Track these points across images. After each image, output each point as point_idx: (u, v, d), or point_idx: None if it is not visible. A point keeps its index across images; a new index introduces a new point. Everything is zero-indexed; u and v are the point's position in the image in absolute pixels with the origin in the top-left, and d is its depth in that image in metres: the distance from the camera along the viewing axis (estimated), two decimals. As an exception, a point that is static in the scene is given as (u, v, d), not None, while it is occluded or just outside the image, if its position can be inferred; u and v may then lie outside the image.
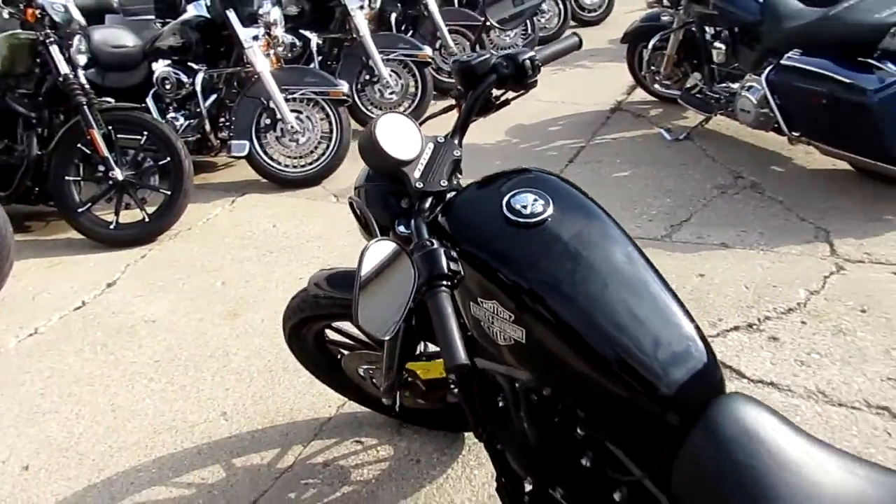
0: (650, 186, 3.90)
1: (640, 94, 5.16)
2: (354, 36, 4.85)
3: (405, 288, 0.99)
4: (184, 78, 4.31)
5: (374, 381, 2.04)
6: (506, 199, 1.19)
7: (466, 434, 2.22)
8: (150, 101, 4.34)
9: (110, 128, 3.71)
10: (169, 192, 3.78)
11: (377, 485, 2.10)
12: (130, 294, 3.28)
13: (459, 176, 1.37)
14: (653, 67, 4.65)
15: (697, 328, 1.11)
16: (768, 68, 3.61)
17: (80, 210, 3.71)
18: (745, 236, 3.30)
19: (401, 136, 1.24)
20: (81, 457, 2.30)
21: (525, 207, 1.17)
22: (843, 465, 0.99)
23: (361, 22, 4.76)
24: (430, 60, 5.00)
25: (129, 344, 2.89)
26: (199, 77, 4.28)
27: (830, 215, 3.40)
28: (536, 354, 1.14)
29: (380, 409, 2.28)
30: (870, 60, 3.24)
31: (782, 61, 3.51)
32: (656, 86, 4.78)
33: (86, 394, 2.61)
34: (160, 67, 4.30)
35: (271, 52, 4.25)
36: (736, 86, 3.97)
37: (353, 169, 4.28)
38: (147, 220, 3.76)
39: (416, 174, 1.25)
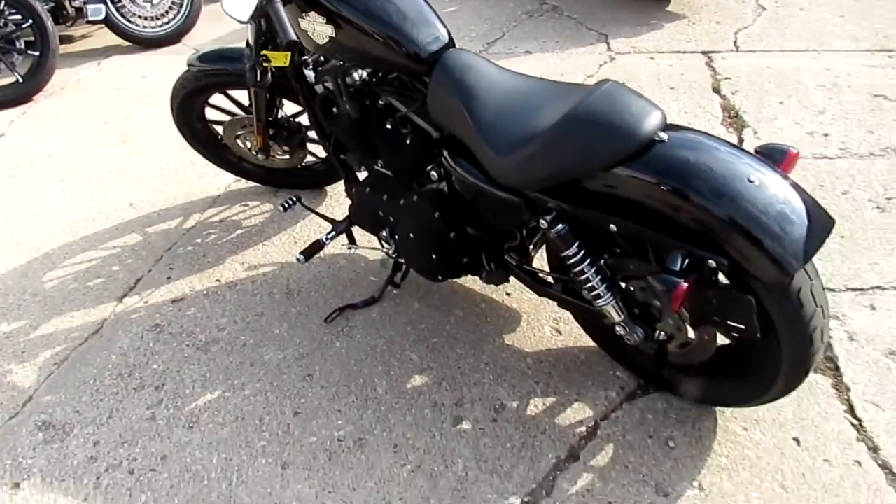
0: (472, 17, 4.61)
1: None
2: None
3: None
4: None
5: (249, 146, 2.70)
6: None
7: (327, 188, 2.94)
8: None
9: (-34, -5, 3.94)
10: (37, 53, 4.10)
11: (263, 226, 2.80)
12: (23, 140, 3.70)
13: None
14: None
15: (436, 14, 1.84)
16: None
17: (-48, 76, 3.99)
18: (544, 45, 4.11)
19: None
20: (19, 244, 2.84)
21: None
22: (527, 81, 1.75)
23: None
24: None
25: (33, 172, 3.37)
26: (44, -54, 4.46)
27: (611, 24, 4.26)
28: (342, 42, 1.83)
29: (259, 179, 2.97)
30: None
31: None
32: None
33: (6, 208, 3.10)
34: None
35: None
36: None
37: (209, 28, 4.77)
38: (21, 80, 4.09)
39: None
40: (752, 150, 1.51)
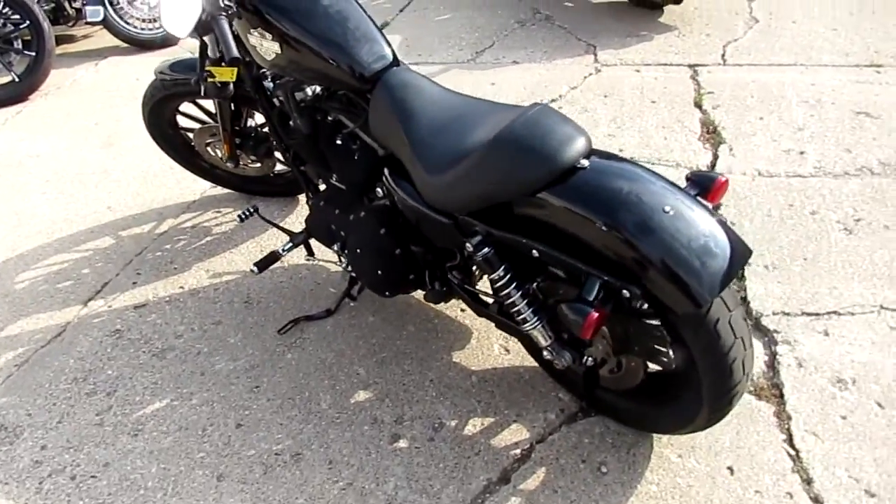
0: (464, 25, 4.60)
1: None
2: None
3: (195, 13, 1.68)
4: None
5: (219, 154, 2.72)
6: None
7: (299, 196, 2.96)
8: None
9: (-37, -5, 4.02)
10: (34, 53, 4.17)
11: (231, 233, 2.82)
12: (14, 139, 3.76)
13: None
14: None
15: (379, 31, 1.85)
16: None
17: (-51, 74, 4.06)
18: (532, 55, 4.10)
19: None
20: (-6, 244, 2.90)
21: None
22: (464, 101, 1.76)
23: None
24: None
25: (19, 172, 3.42)
26: (45, -53, 4.53)
27: (601, 35, 4.24)
28: (289, 59, 1.85)
29: (233, 186, 2.99)
30: None
31: None
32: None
33: (-12, 207, 3.16)
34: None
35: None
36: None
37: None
38: (17, 80, 4.17)
39: None
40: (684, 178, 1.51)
